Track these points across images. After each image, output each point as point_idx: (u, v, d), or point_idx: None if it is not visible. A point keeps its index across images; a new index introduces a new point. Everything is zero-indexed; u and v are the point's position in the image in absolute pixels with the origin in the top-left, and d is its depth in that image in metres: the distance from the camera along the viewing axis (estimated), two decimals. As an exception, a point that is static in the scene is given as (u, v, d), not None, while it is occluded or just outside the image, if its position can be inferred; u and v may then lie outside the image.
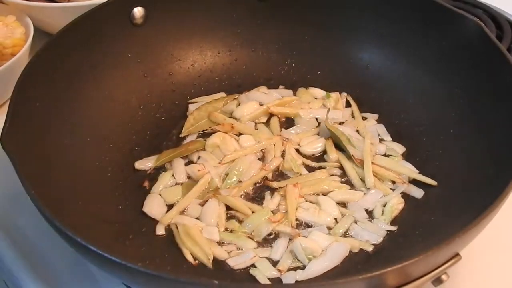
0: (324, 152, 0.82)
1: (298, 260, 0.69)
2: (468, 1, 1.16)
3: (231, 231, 0.72)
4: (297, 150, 0.82)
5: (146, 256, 0.67)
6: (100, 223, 0.70)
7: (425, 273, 0.54)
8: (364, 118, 0.87)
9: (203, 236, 0.71)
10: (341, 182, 0.78)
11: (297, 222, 0.73)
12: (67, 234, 0.55)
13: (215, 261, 0.69)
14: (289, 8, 0.94)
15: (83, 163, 0.76)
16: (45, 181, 0.65)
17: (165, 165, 0.81)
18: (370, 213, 0.74)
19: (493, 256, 0.72)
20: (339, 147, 0.82)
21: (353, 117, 0.87)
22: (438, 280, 0.57)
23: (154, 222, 0.74)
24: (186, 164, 0.81)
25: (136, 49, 0.88)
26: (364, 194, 0.76)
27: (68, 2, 1.00)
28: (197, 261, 0.69)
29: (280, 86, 0.93)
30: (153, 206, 0.75)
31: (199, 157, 0.82)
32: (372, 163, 0.79)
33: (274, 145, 0.82)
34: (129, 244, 0.69)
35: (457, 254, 0.56)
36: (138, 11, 0.87)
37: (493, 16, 1.10)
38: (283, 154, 0.81)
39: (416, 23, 0.86)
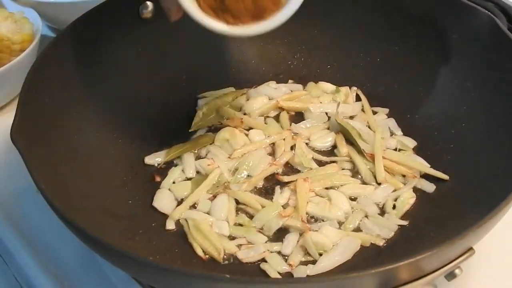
0: (334, 146, 0.81)
1: (308, 254, 0.68)
2: (479, -6, 1.15)
3: (241, 226, 0.72)
4: (307, 145, 0.82)
5: (156, 251, 0.67)
6: (110, 217, 0.70)
7: (438, 267, 0.54)
8: (374, 112, 0.86)
9: (213, 231, 0.71)
10: (352, 176, 0.77)
11: (308, 216, 0.72)
12: (78, 228, 0.55)
13: (225, 255, 0.69)
14: (298, 1, 0.94)
15: (93, 158, 0.76)
16: (54, 176, 0.64)
17: (175, 160, 0.81)
18: (381, 208, 0.74)
19: (507, 250, 0.71)
20: (350, 141, 0.81)
21: (363, 111, 0.87)
22: (451, 275, 0.57)
23: (164, 216, 0.73)
24: (196, 159, 0.80)
25: (144, 44, 0.88)
26: (375, 188, 0.76)
27: (76, -3, 1.00)
28: (207, 256, 0.69)
29: (290, 81, 0.93)
30: (162, 201, 0.75)
31: (208, 152, 0.81)
32: (383, 157, 0.78)
33: (284, 139, 0.82)
34: (139, 239, 0.68)
35: (471, 248, 0.55)
36: (146, 6, 0.86)
37: (504, 9, 1.09)
38: (293, 149, 0.81)
39: (427, 16, 0.85)
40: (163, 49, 0.90)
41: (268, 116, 0.87)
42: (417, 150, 0.81)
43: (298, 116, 0.87)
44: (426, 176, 0.76)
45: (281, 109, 0.88)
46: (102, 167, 0.76)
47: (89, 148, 0.76)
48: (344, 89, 0.89)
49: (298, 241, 0.69)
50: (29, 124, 0.66)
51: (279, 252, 0.69)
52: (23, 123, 0.65)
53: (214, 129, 0.85)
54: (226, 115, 0.86)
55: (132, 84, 0.86)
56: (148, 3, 0.86)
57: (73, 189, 0.67)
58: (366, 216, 0.72)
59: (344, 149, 0.80)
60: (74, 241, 0.61)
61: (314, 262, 0.67)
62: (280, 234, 0.71)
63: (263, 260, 0.68)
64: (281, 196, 0.75)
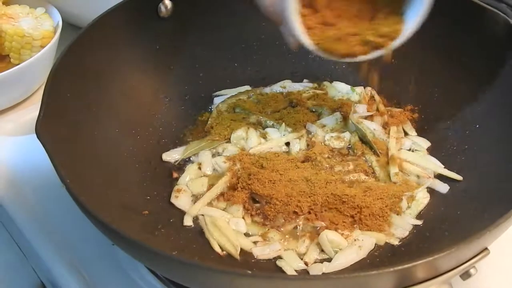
0: (350, 145, 0.82)
1: (324, 252, 0.69)
2: (493, -4, 1.15)
3: (257, 223, 0.73)
4: (323, 143, 0.83)
5: (175, 246, 0.69)
6: (130, 212, 0.71)
7: (454, 267, 0.55)
8: (389, 112, 0.87)
9: (230, 227, 0.72)
10: (366, 175, 0.78)
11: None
12: (103, 223, 0.56)
13: (242, 251, 0.70)
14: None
15: (112, 154, 0.77)
16: (77, 171, 0.66)
17: (192, 157, 0.82)
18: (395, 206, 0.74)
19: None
20: (364, 141, 0.82)
21: (378, 111, 0.88)
22: (466, 274, 0.58)
23: (182, 213, 0.75)
24: (213, 156, 0.82)
25: (163, 41, 0.89)
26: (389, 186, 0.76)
27: (95, -6, 1.01)
28: (224, 252, 0.70)
29: (305, 80, 0.94)
30: (180, 197, 0.76)
31: (224, 149, 0.82)
32: (397, 157, 0.79)
33: (300, 138, 0.83)
34: (158, 234, 0.70)
35: (486, 249, 0.56)
36: (165, 4, 0.88)
37: (518, 11, 1.10)
38: (308, 147, 0.82)
39: (444, 18, 0.85)
40: (180, 47, 0.91)
41: (282, 118, 0.87)
42: (431, 151, 0.82)
43: (314, 116, 0.88)
44: (440, 177, 0.77)
45: (298, 106, 0.88)
46: (122, 163, 0.77)
47: (109, 144, 0.77)
48: (359, 90, 0.90)
49: (314, 239, 0.71)
50: (53, 120, 0.67)
51: (295, 250, 0.70)
52: (47, 119, 0.66)
53: (231, 126, 0.86)
54: (244, 111, 0.88)
55: (151, 81, 0.87)
56: (167, 1, 0.88)
57: (94, 184, 0.68)
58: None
59: (359, 148, 0.81)
60: (96, 235, 0.62)
61: (329, 260, 0.68)
62: (296, 232, 0.72)
63: (279, 257, 0.69)
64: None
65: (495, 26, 0.79)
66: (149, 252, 0.54)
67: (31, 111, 0.93)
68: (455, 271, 0.55)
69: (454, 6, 0.84)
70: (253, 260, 0.70)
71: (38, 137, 0.63)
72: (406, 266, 0.51)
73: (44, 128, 0.64)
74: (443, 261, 0.53)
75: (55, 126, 0.67)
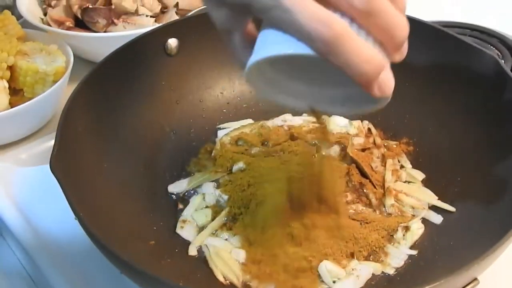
0: (348, 177, 0.86)
1: (323, 282, 0.72)
2: (485, 30, 1.20)
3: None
4: (322, 175, 0.86)
5: (180, 275, 0.71)
6: (137, 242, 0.74)
7: (444, 297, 0.58)
8: (385, 146, 0.91)
9: (232, 257, 0.75)
10: (364, 206, 0.82)
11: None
12: (112, 253, 0.59)
13: (243, 281, 0.73)
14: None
15: (120, 185, 0.80)
16: (88, 203, 0.69)
17: (196, 188, 0.86)
18: (391, 237, 0.78)
19: (510, 279, 0.75)
20: (362, 172, 0.85)
21: (374, 144, 0.91)
22: (457, 303, 0.61)
23: (186, 242, 0.78)
24: (216, 188, 0.85)
25: (170, 77, 0.93)
26: (385, 217, 0.80)
27: (104, 31, 1.06)
28: (227, 281, 0.73)
29: (303, 114, 0.98)
30: (185, 228, 0.80)
31: (228, 181, 0.86)
32: (393, 189, 0.83)
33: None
34: (164, 263, 0.73)
35: (475, 279, 0.59)
36: (172, 42, 0.92)
37: (509, 46, 1.14)
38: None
39: (434, 54, 0.90)
40: (186, 83, 0.95)
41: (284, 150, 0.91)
42: (426, 182, 0.85)
43: (312, 148, 0.91)
44: (434, 208, 0.81)
45: (298, 139, 0.92)
46: (129, 194, 0.80)
47: (118, 176, 0.80)
48: (356, 123, 0.94)
49: (312, 268, 0.74)
50: (66, 154, 0.71)
51: (294, 280, 0.73)
52: (60, 154, 0.70)
53: (233, 158, 0.89)
54: (247, 139, 0.91)
55: (157, 115, 0.91)
56: (174, 39, 0.92)
57: (104, 215, 0.72)
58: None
59: (356, 180, 0.85)
60: (106, 264, 0.65)
61: (328, 289, 0.71)
62: (296, 261, 0.75)
63: (278, 286, 0.72)
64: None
65: (486, 66, 0.83)
66: (156, 281, 0.57)
67: (42, 143, 0.97)
68: (446, 300, 0.58)
69: (445, 43, 0.89)
70: (255, 289, 0.72)
71: (52, 172, 0.66)
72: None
73: (58, 163, 0.68)
74: (434, 291, 0.56)
75: (68, 160, 0.71)
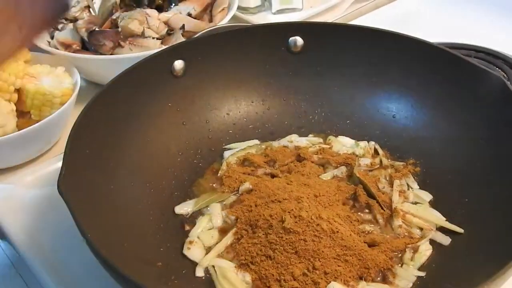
0: (355, 198, 0.86)
1: (331, 304, 0.72)
2: (490, 52, 1.20)
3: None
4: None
5: (187, 297, 0.71)
6: (144, 264, 0.74)
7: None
8: (392, 166, 0.91)
9: (238, 278, 0.75)
10: (371, 226, 0.81)
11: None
12: (121, 276, 0.59)
13: (250, 302, 0.72)
14: (319, 60, 1.00)
15: (127, 207, 0.80)
16: (96, 225, 0.69)
17: (203, 209, 0.85)
18: (399, 258, 0.77)
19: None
20: (369, 193, 0.85)
21: (381, 165, 0.91)
22: (466, 325, 0.60)
23: (193, 264, 0.77)
24: (222, 209, 0.85)
25: (176, 99, 0.94)
26: (394, 239, 0.79)
27: (111, 54, 1.07)
28: (234, 302, 0.72)
29: (310, 135, 0.98)
30: (192, 249, 0.79)
31: (233, 202, 0.86)
32: (401, 210, 0.82)
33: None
34: (171, 285, 0.72)
35: (485, 301, 0.59)
36: (178, 64, 0.93)
37: (513, 66, 1.15)
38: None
39: (442, 77, 0.91)
40: (193, 104, 0.96)
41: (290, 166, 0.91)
42: (433, 204, 0.85)
43: (319, 169, 0.91)
44: (442, 229, 0.80)
45: (304, 160, 0.92)
46: (136, 216, 0.80)
47: (125, 197, 0.81)
48: (363, 144, 0.94)
49: (320, 290, 0.73)
50: (73, 177, 0.71)
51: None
52: (68, 176, 0.70)
53: (239, 179, 0.89)
54: (252, 164, 0.91)
55: (164, 136, 0.92)
56: (180, 61, 0.93)
57: (111, 237, 0.72)
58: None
59: (363, 201, 0.84)
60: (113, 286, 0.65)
61: (336, 311, 0.71)
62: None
63: (285, 307, 0.72)
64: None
65: (492, 86, 0.83)
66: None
67: (49, 165, 0.97)
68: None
69: (452, 65, 0.89)
70: (261, 310, 0.72)
71: (60, 194, 0.67)
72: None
73: (66, 185, 0.68)
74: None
75: (75, 182, 0.71)
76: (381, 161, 0.92)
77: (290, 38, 0.99)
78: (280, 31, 0.99)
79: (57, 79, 0.97)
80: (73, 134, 0.76)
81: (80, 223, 0.63)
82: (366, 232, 0.80)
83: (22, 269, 0.85)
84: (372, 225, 0.82)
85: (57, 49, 1.10)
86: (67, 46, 1.09)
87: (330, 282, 0.72)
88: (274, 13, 1.42)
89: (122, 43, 1.06)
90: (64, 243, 0.83)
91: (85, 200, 0.71)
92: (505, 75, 1.12)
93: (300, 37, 0.99)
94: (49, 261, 0.82)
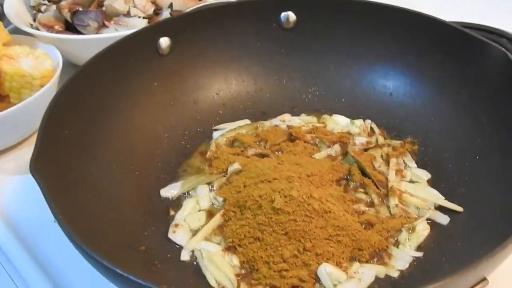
0: (350, 178, 0.82)
1: (323, 286, 0.68)
2: (493, 31, 1.16)
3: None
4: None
5: (172, 282, 0.68)
6: (127, 248, 0.70)
7: (452, 298, 0.53)
8: (388, 145, 0.87)
9: (226, 262, 0.71)
10: (366, 206, 0.77)
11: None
12: (96, 260, 0.55)
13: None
14: (313, 36, 0.96)
15: (110, 190, 0.77)
16: (72, 207, 0.65)
17: (190, 192, 0.82)
18: (396, 239, 0.73)
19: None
20: (364, 172, 0.81)
21: (377, 143, 0.87)
22: (466, 305, 0.56)
23: (179, 248, 0.74)
24: (210, 191, 0.81)
25: (162, 78, 0.90)
26: (389, 219, 0.75)
27: (96, 33, 1.03)
28: (220, 286, 0.69)
29: (302, 114, 0.94)
30: (177, 232, 0.76)
31: (223, 183, 0.82)
32: (398, 189, 0.78)
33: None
34: (155, 270, 0.69)
35: (485, 279, 0.55)
36: (164, 41, 0.89)
37: (517, 44, 1.10)
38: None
39: (441, 51, 0.86)
40: (180, 84, 0.92)
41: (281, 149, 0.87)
42: (432, 183, 0.81)
43: (312, 148, 0.87)
44: (440, 208, 0.76)
45: (297, 140, 0.88)
46: (119, 199, 0.77)
47: (107, 180, 0.77)
48: (359, 122, 0.90)
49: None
50: (48, 156, 0.68)
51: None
52: (42, 156, 0.66)
53: (228, 160, 0.86)
54: (244, 141, 0.88)
55: (149, 117, 0.88)
56: (166, 38, 0.89)
57: (91, 220, 0.68)
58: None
59: (358, 180, 0.80)
60: (91, 271, 0.61)
61: (328, 293, 0.67)
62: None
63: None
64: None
65: (494, 60, 0.79)
66: None
67: (31, 151, 0.93)
68: (454, 302, 0.54)
69: (453, 38, 0.85)
70: (250, 294, 0.68)
71: (32, 174, 0.63)
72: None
73: (39, 165, 0.64)
74: (440, 292, 0.52)
75: (51, 163, 0.68)
76: (377, 139, 0.88)
77: (282, 14, 0.95)
78: (272, 6, 0.95)
79: (36, 61, 0.93)
80: (48, 113, 0.72)
81: (50, 203, 0.60)
82: (361, 212, 0.76)
83: (3, 259, 0.81)
84: (367, 205, 0.78)
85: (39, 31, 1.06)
86: (49, 28, 1.05)
87: (321, 263, 0.68)
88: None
89: (107, 23, 1.02)
90: (46, 232, 0.79)
91: (61, 183, 0.68)
92: (509, 53, 1.08)
93: (293, 12, 0.95)
94: (29, 248, 0.79)
